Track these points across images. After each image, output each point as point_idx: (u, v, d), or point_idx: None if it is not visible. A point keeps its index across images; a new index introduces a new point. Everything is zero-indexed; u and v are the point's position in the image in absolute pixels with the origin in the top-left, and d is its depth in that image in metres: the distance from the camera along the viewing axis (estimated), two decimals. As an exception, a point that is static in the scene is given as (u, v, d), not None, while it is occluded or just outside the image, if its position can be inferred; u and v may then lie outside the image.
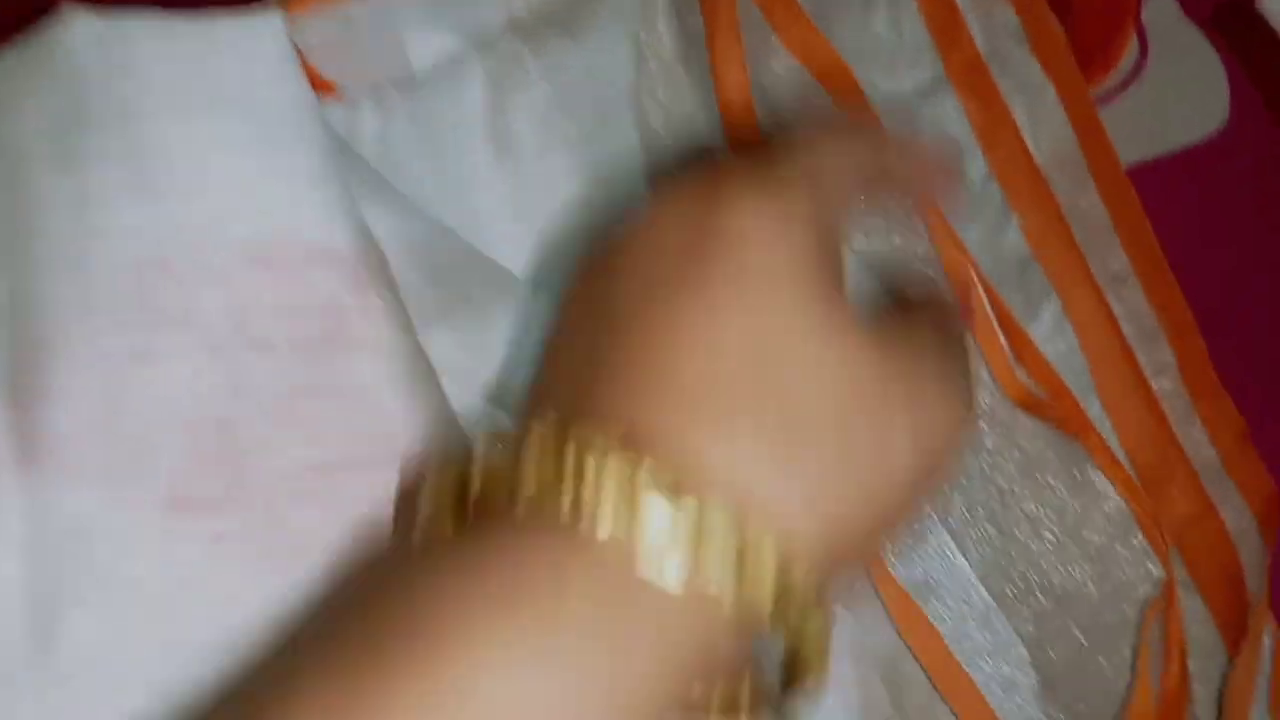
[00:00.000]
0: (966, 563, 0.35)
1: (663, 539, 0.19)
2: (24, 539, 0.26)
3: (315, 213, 0.29)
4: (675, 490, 0.19)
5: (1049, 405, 0.35)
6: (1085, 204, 0.37)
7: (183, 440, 0.27)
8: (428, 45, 0.34)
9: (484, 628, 0.18)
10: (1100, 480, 0.35)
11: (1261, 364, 0.40)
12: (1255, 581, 0.37)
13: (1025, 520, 0.35)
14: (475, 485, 0.21)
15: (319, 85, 0.33)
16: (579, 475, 0.19)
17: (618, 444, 0.20)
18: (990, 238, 0.37)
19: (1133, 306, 0.37)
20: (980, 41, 0.37)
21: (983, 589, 0.35)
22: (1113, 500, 0.35)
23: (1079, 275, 0.37)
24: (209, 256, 0.28)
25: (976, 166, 0.37)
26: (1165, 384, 0.37)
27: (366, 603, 0.20)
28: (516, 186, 0.34)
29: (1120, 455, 0.36)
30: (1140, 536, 0.35)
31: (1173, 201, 0.39)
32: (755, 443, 0.20)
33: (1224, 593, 0.37)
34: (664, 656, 0.19)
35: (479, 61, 0.33)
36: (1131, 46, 0.39)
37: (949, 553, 0.35)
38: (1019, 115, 0.37)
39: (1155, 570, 0.35)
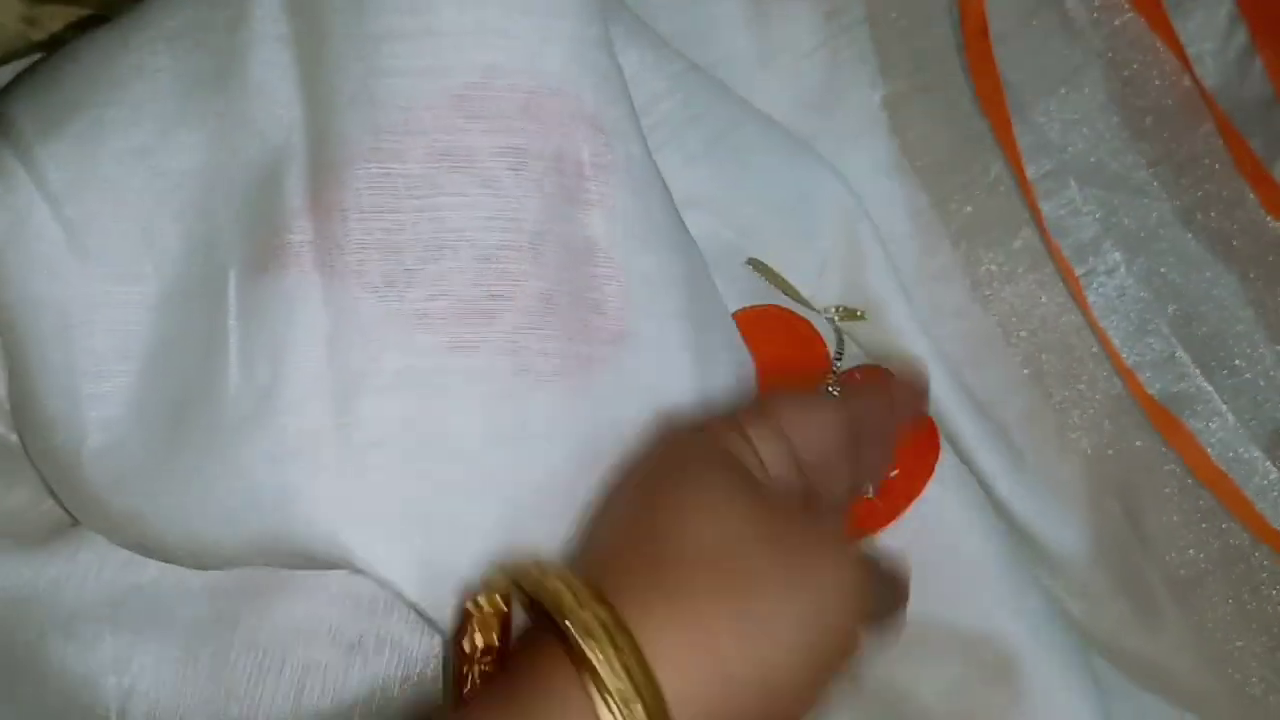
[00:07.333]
0: None
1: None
2: (327, 332, 0.30)
3: (580, 72, 0.33)
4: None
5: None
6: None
7: (461, 265, 0.31)
8: None
9: None
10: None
11: None
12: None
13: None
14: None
15: None
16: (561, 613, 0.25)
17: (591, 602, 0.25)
18: (1232, 77, 0.41)
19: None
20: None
21: None
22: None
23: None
24: (481, 104, 0.32)
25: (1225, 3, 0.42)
26: None
27: None
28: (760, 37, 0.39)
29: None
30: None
31: None
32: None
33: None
34: None
35: None
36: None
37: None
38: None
39: None
